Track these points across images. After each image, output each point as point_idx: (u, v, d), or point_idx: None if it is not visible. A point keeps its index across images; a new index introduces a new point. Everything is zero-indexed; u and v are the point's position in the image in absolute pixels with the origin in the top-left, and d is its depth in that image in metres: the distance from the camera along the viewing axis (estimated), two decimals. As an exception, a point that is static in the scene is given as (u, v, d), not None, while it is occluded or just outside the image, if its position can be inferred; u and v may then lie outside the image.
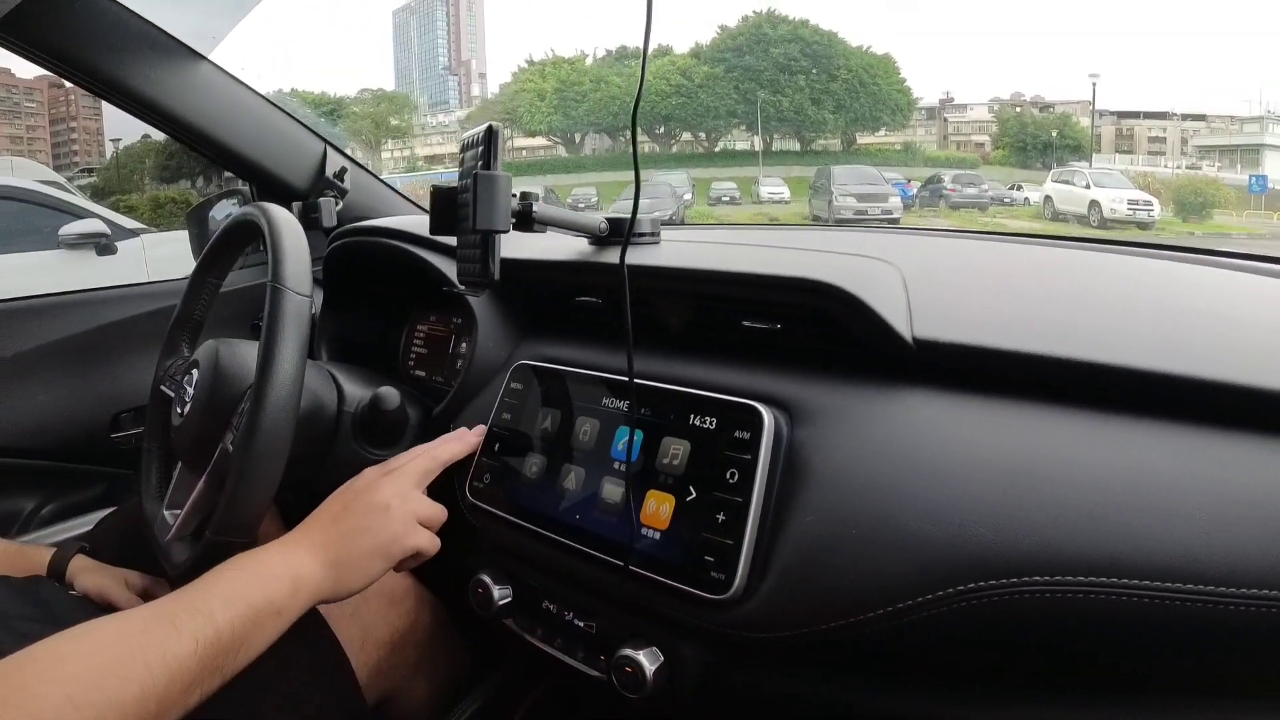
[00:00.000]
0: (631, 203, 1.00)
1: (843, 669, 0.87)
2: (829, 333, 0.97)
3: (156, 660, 0.75)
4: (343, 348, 1.57)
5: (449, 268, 1.34)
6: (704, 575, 0.87)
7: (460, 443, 1.14)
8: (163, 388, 1.27)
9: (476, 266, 1.03)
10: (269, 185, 1.82)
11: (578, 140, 38.56)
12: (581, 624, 1.04)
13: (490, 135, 1.01)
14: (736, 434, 0.92)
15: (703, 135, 37.11)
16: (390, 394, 1.15)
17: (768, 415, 0.91)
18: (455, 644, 1.38)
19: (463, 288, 1.09)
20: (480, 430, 1.16)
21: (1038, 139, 33.36)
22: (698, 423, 0.96)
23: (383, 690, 1.22)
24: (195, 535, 1.09)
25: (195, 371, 1.13)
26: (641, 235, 1.25)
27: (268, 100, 1.77)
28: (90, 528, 1.60)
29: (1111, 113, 34.21)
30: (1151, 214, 19.26)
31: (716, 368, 1.03)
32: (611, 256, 1.17)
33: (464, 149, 1.07)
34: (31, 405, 1.63)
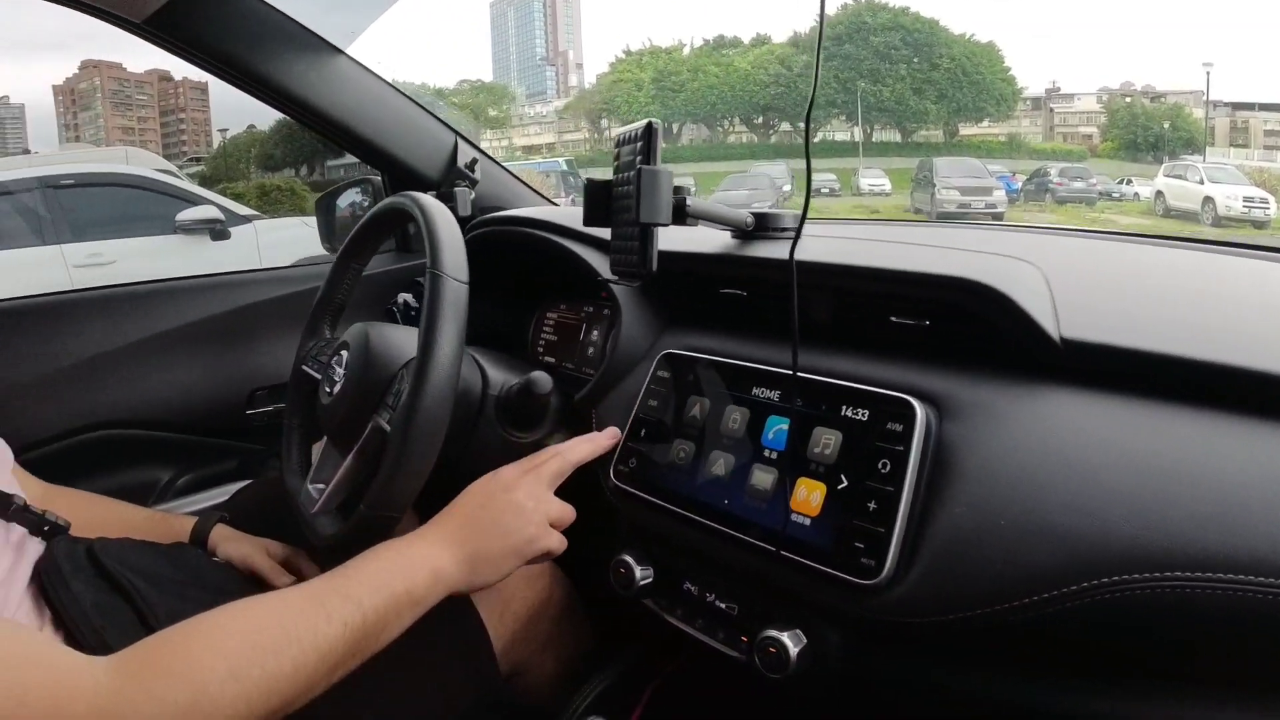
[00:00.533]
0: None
1: (981, 657, 0.88)
2: (976, 330, 0.97)
3: (309, 641, 0.81)
4: (475, 332, 1.59)
5: (594, 258, 1.38)
6: (854, 561, 0.89)
7: (592, 444, 1.16)
8: (305, 368, 1.31)
9: (634, 258, 1.07)
10: (403, 175, 1.87)
11: (675, 130, 38.49)
12: (723, 605, 1.06)
13: (650, 131, 1.04)
14: (889, 426, 0.93)
15: (802, 126, 36.69)
16: (543, 379, 1.16)
17: (920, 409, 0.92)
18: (582, 620, 1.41)
19: (616, 278, 1.13)
20: (613, 433, 1.18)
21: (1148, 131, 32.31)
22: (850, 414, 0.97)
23: (514, 663, 1.25)
24: (341, 509, 1.14)
25: (344, 353, 1.17)
26: (784, 230, 1.26)
27: (402, 93, 1.81)
28: (224, 498, 1.67)
29: (1226, 104, 32.88)
30: (1268, 212, 18.39)
31: (863, 361, 1.04)
32: (759, 250, 1.21)
33: (619, 144, 1.11)
34: (173, 382, 1.70)
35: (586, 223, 1.18)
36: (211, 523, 1.29)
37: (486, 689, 1.15)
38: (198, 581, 1.12)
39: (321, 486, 1.18)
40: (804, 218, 0.95)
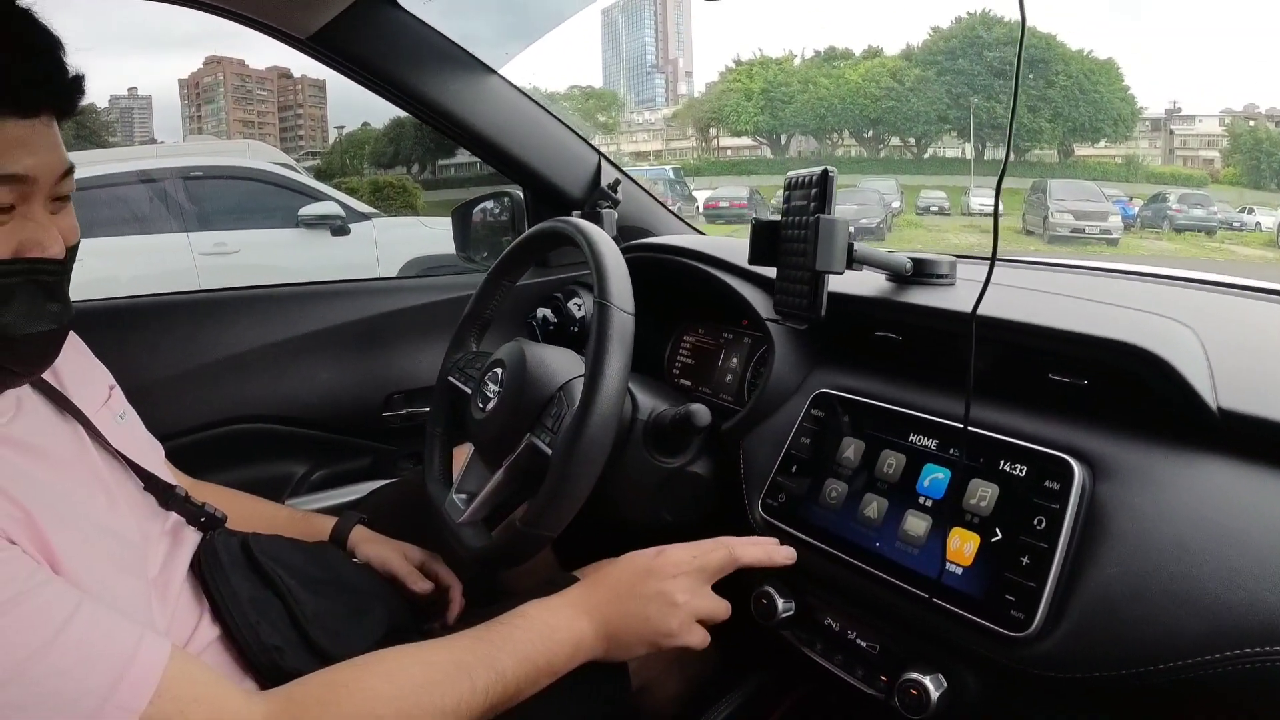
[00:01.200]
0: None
1: (1119, 715, 0.88)
2: (1134, 392, 0.98)
3: (452, 706, 0.88)
4: None
5: (751, 294, 1.40)
6: (1004, 612, 0.90)
7: (764, 552, 1.12)
8: (451, 379, 1.34)
9: (803, 301, 1.13)
10: (546, 192, 1.91)
11: (783, 141, 38.32)
12: (864, 644, 1.08)
13: (826, 179, 1.09)
14: (1046, 483, 0.94)
15: (911, 140, 36.16)
16: (702, 413, 1.17)
17: (1077, 469, 0.93)
18: (709, 644, 1.41)
19: (779, 318, 1.18)
20: (789, 554, 1.13)
21: (1273, 157, 31.08)
22: (1008, 469, 0.98)
23: (642, 680, 1.25)
24: (487, 522, 1.19)
25: (499, 370, 1.20)
26: (940, 276, 1.28)
27: (550, 112, 1.85)
28: (357, 495, 1.75)
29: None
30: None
31: (1019, 414, 1.05)
32: (916, 296, 1.23)
33: (790, 187, 1.16)
34: (313, 381, 1.76)
35: (752, 262, 1.23)
36: (351, 523, 1.34)
37: (618, 704, 1.16)
38: (339, 581, 1.17)
39: (465, 496, 1.22)
40: (990, 275, 0.93)
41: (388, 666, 0.89)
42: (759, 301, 1.38)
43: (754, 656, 1.36)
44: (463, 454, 1.35)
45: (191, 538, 1.09)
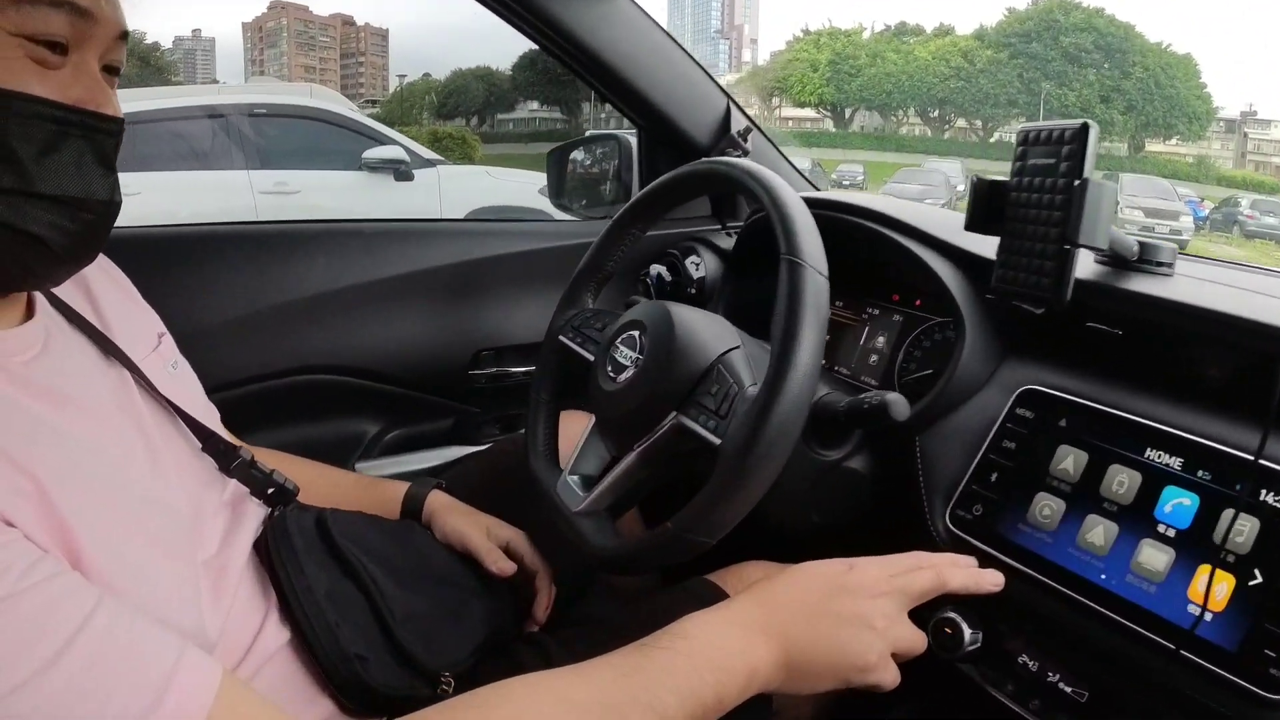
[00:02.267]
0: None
1: None
2: None
3: None
4: (736, 313, 1.45)
5: (941, 266, 1.19)
6: (1259, 670, 0.77)
7: (972, 579, 0.94)
8: (564, 339, 1.17)
9: (1043, 280, 0.96)
10: (668, 135, 1.68)
11: (847, 115, 37.84)
12: (1069, 689, 0.94)
13: (1086, 133, 0.92)
14: (1324, 522, 0.80)
15: (978, 123, 35.80)
16: (901, 404, 0.96)
17: None
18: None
19: (1000, 297, 1.04)
20: (997, 580, 0.95)
21: (1349, 168, 30.21)
22: (1272, 500, 0.83)
23: (777, 702, 1.07)
24: (612, 512, 1.01)
25: (638, 334, 1.02)
26: (1164, 264, 1.09)
27: (680, 46, 1.62)
28: (435, 463, 1.57)
29: None
30: None
31: (1258, 432, 0.87)
32: (1140, 284, 1.05)
33: (1028, 142, 0.99)
34: (392, 331, 1.57)
35: (970, 227, 1.05)
36: (427, 490, 1.16)
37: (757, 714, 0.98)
38: (428, 571, 1.01)
39: (580, 479, 1.05)
40: None
41: (516, 708, 0.70)
42: (949, 275, 1.19)
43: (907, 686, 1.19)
44: (572, 426, 1.19)
45: (255, 513, 0.91)
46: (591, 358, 1.10)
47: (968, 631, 0.97)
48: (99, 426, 0.73)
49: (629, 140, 1.83)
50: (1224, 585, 0.82)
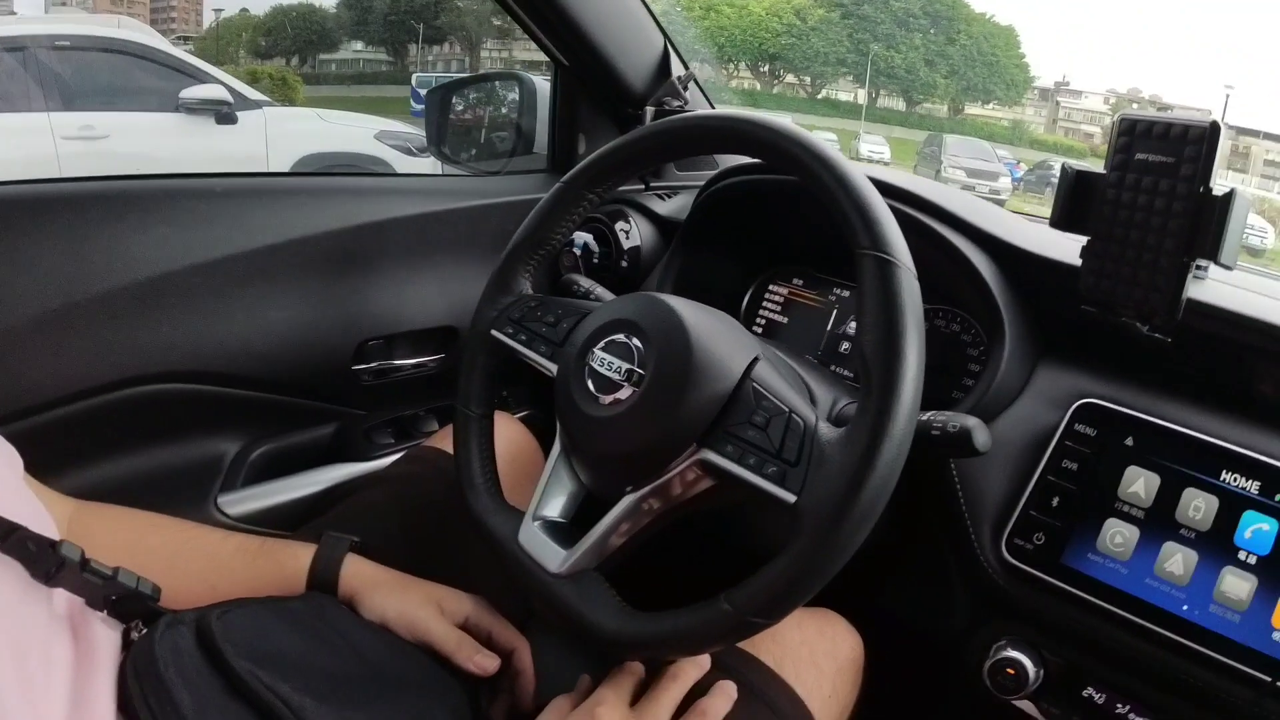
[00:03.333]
0: None
1: None
2: None
3: None
4: (685, 291, 1.23)
5: (983, 264, 1.06)
6: None
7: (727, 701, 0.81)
8: (499, 335, 0.91)
9: (1156, 296, 0.88)
10: (599, 77, 1.41)
11: (681, 67, 38.18)
12: None
13: (1215, 136, 0.84)
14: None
15: (806, 80, 36.78)
16: (984, 431, 0.77)
17: None
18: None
19: (1095, 309, 0.94)
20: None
21: (1153, 138, 32.34)
22: None
23: None
24: (601, 571, 0.79)
25: (634, 341, 0.78)
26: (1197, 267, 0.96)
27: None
28: (320, 487, 1.25)
29: (1230, 126, 33.43)
30: (1265, 240, 18.34)
31: None
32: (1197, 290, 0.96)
33: (1132, 133, 0.88)
34: (258, 320, 1.22)
35: (1058, 224, 0.94)
36: (341, 551, 0.87)
37: None
38: (359, 670, 0.73)
39: (543, 526, 0.81)
40: None
41: None
42: (984, 266, 1.05)
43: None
44: (515, 445, 1.01)
45: (106, 636, 0.63)
46: (547, 362, 0.86)
47: (1031, 670, 0.93)
48: None
49: (534, 83, 1.57)
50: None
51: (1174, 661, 0.86)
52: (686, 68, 1.46)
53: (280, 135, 6.09)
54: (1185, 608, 0.86)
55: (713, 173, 1.27)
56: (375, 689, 0.71)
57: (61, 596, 0.62)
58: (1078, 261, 0.95)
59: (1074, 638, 0.94)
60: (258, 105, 6.31)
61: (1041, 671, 0.94)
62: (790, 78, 37.07)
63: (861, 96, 35.60)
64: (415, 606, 0.84)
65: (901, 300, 0.68)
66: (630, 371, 0.76)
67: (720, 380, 0.73)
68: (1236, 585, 0.85)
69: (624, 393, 0.75)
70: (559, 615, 0.75)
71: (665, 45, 1.43)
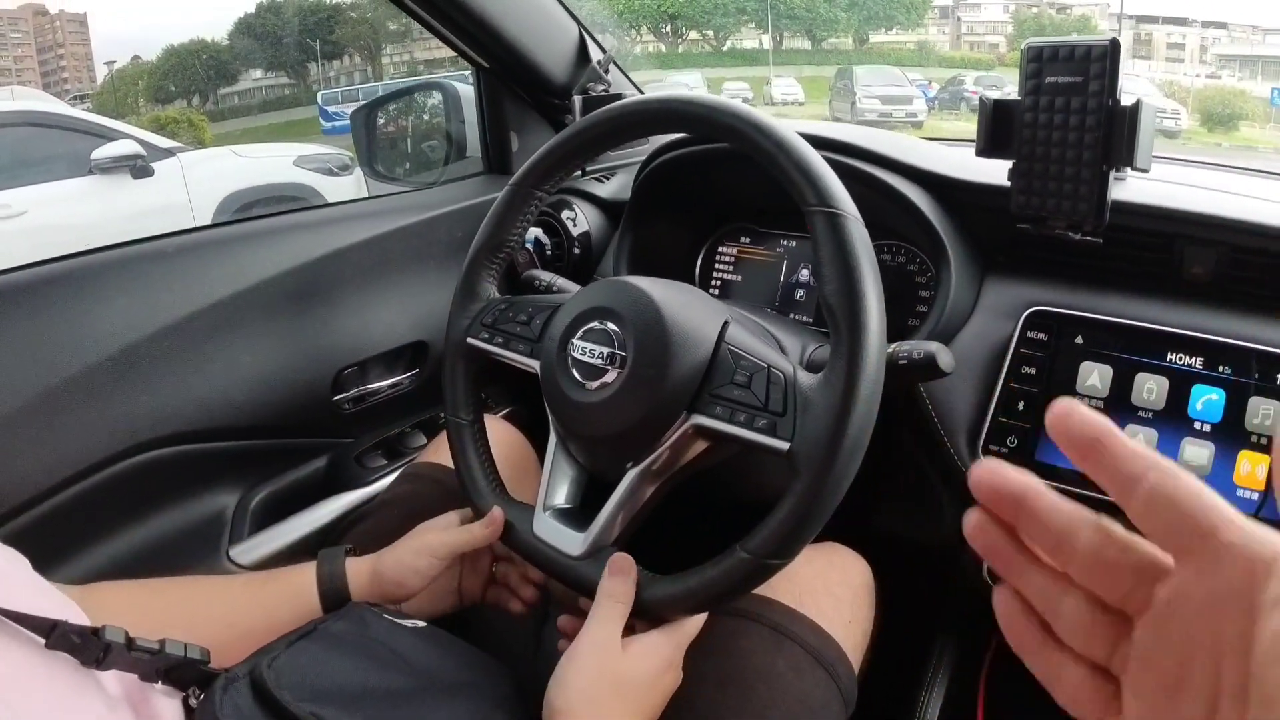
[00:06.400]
0: None
1: None
2: None
3: None
4: (640, 271, 1.30)
5: (920, 198, 1.12)
6: None
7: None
8: (475, 342, 0.94)
9: (1083, 206, 0.95)
10: (521, 74, 1.43)
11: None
12: None
13: (1116, 50, 0.90)
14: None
15: (710, 34, 36.50)
16: (947, 353, 0.84)
17: None
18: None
19: (1030, 226, 1.01)
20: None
21: (1057, 42, 32.62)
22: None
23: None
24: (618, 547, 0.83)
25: (611, 326, 0.81)
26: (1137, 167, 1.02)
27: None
28: (325, 521, 1.27)
29: (1129, 17, 33.54)
30: (1179, 123, 18.60)
31: (1255, 321, 0.97)
32: (1120, 191, 1.03)
33: (1039, 59, 0.95)
34: (236, 370, 1.23)
35: (983, 152, 1.00)
36: (338, 564, 0.90)
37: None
38: (418, 678, 0.77)
39: (554, 515, 0.86)
40: None
41: None
42: (920, 198, 1.11)
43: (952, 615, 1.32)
44: (505, 444, 1.04)
45: (167, 706, 0.66)
46: (527, 359, 0.89)
47: None
48: None
49: (456, 88, 1.59)
50: (1262, 466, 0.91)
51: None
52: (604, 51, 1.48)
53: (199, 179, 6.00)
54: None
55: (645, 148, 1.31)
56: (432, 699, 0.74)
57: (113, 677, 0.63)
58: (1005, 182, 1.01)
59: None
60: (170, 153, 6.18)
61: None
62: (694, 34, 36.80)
63: (767, 42, 35.34)
64: (422, 538, 0.90)
65: (855, 248, 0.72)
66: (611, 355, 0.79)
67: (698, 348, 0.77)
68: (1197, 453, 0.94)
69: (610, 376, 0.79)
70: (589, 594, 0.78)
71: (580, 32, 1.45)
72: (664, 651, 0.76)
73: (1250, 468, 0.92)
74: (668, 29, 36.70)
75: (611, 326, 0.80)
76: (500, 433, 1.14)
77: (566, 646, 0.77)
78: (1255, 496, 0.91)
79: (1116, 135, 0.91)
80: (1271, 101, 22.30)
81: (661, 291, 0.81)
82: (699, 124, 0.84)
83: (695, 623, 0.79)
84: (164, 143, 6.39)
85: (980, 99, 1.03)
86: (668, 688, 0.77)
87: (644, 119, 0.89)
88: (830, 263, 0.73)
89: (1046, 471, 0.98)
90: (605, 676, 0.73)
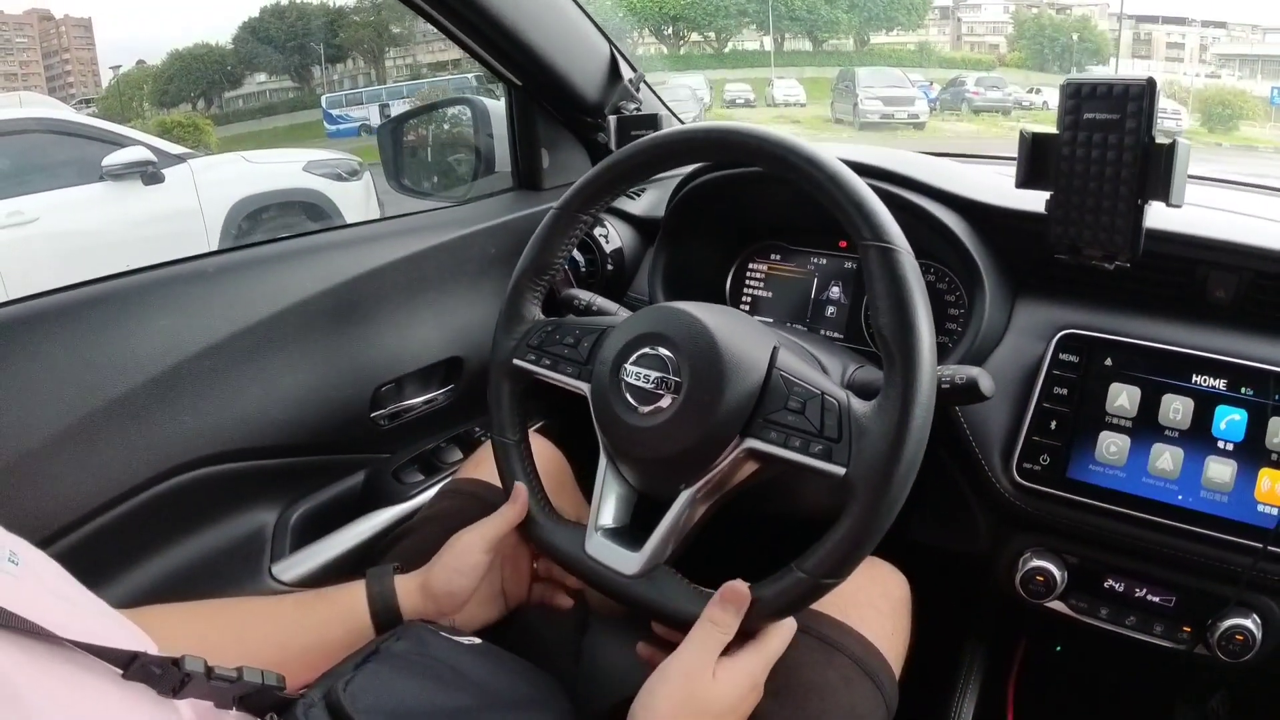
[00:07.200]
0: None
1: None
2: None
3: None
4: (675, 290, 1.36)
5: (955, 222, 1.17)
6: None
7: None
8: (522, 363, 0.97)
9: (1118, 238, 0.99)
10: (553, 92, 1.45)
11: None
12: (1158, 599, 1.08)
13: (1153, 91, 0.94)
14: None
15: (711, 35, 36.43)
16: (988, 378, 0.87)
17: None
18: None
19: (1067, 255, 1.04)
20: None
21: (1055, 42, 32.35)
22: None
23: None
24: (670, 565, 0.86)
25: (665, 352, 0.83)
26: None
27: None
28: (366, 536, 1.29)
29: (1129, 16, 33.48)
30: (1179, 123, 18.60)
31: (1274, 344, 1.02)
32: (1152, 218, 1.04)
33: (1079, 95, 0.98)
34: (276, 389, 1.24)
35: (1023, 184, 1.04)
36: (388, 583, 0.91)
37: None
38: (479, 695, 0.79)
39: (607, 534, 0.88)
40: None
41: None
42: (956, 224, 1.17)
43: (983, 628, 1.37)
44: (543, 458, 1.04)
45: None
46: (576, 382, 0.92)
47: (1058, 574, 1.09)
48: None
49: (485, 104, 1.61)
50: (1281, 484, 0.96)
51: (1178, 544, 1.01)
52: (635, 70, 1.50)
53: (209, 184, 6.03)
54: (1180, 497, 1.01)
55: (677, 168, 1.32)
56: (497, 716, 0.78)
57: (188, 704, 0.64)
58: (1038, 208, 1.03)
59: (1089, 539, 1.08)
60: (181, 159, 6.21)
61: (1066, 573, 1.09)
62: (695, 36, 36.75)
63: (768, 44, 35.25)
64: (460, 541, 0.93)
65: (908, 282, 0.75)
66: (665, 380, 0.82)
67: (750, 374, 0.80)
68: (1220, 470, 0.99)
69: (664, 401, 0.81)
70: (644, 612, 0.82)
71: (611, 51, 1.47)
72: (754, 674, 0.79)
73: (1271, 485, 0.97)
74: (669, 31, 36.70)
75: (665, 352, 0.83)
76: (538, 447, 1.16)
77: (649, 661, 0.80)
78: (1275, 512, 0.95)
79: (1153, 171, 0.94)
80: (1271, 101, 22.26)
81: (713, 318, 0.83)
82: (752, 156, 0.86)
83: (782, 641, 0.81)
84: (174, 149, 6.41)
85: (1020, 133, 1.06)
86: (749, 707, 0.80)
87: (694, 147, 0.91)
88: (885, 296, 0.76)
89: (1077, 488, 1.05)
90: (694, 700, 0.75)
